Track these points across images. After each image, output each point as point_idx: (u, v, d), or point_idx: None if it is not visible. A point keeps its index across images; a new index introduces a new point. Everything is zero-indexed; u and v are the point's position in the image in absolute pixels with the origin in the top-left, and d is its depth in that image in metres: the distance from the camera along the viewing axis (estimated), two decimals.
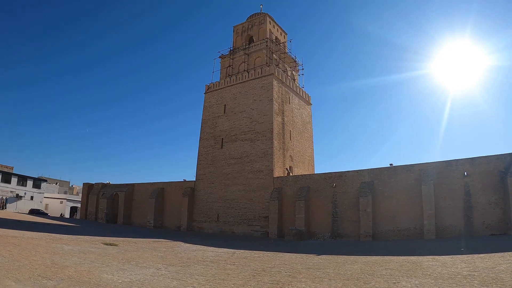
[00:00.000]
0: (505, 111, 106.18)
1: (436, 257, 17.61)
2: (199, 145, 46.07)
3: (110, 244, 23.88)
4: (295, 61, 49.94)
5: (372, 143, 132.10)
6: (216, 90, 46.59)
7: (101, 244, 23.63)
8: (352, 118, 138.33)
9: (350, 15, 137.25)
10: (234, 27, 51.32)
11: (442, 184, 30.42)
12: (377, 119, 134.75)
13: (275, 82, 42.32)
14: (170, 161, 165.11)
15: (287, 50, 49.75)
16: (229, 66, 47.77)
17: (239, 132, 42.56)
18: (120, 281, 12.05)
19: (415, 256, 18.47)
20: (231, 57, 48.28)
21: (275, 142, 40.19)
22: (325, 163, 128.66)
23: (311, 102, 50.84)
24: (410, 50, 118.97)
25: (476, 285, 10.73)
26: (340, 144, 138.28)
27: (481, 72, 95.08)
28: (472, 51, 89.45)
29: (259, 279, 13.16)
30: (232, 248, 25.15)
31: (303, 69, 50.40)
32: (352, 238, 32.68)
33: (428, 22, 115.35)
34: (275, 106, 41.41)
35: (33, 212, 66.01)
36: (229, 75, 46.78)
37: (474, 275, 12.28)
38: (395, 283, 11.79)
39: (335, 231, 34.16)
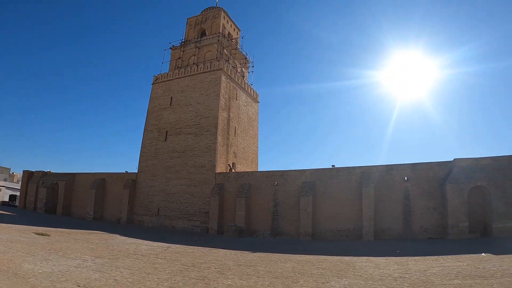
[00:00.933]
0: (452, 122, 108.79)
1: (371, 258, 17.55)
2: (143, 137, 42.86)
3: (42, 234, 22.85)
4: (245, 58, 47.84)
5: (318, 146, 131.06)
6: (164, 81, 43.52)
7: (33, 234, 22.54)
8: (300, 120, 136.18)
9: (304, 19, 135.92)
10: (188, 19, 48.51)
11: (383, 187, 30.02)
12: (325, 122, 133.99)
13: (223, 77, 40.04)
14: (113, 151, 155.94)
15: (239, 47, 47.52)
16: (179, 58, 44.91)
17: (184, 126, 39.86)
18: (41, 271, 11.57)
19: (350, 257, 18.12)
20: (182, 49, 45.44)
21: (219, 138, 37.91)
22: (269, 162, 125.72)
23: (258, 100, 48.88)
24: (361, 58, 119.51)
25: (405, 287, 10.60)
26: (285, 144, 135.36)
27: (431, 83, 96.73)
28: (423, 63, 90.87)
29: (185, 274, 12.67)
30: (168, 243, 23.97)
31: (253, 66, 48.43)
32: (292, 237, 31.37)
33: (382, 32, 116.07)
34: (222, 102, 39.14)
35: (3, 204, 62.26)
36: (178, 67, 43.91)
37: (405, 277, 12.12)
38: (324, 282, 11.48)
39: (275, 229, 32.69)
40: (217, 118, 38.10)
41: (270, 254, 19.72)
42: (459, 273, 12.45)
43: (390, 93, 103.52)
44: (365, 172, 30.60)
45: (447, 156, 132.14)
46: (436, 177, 29.01)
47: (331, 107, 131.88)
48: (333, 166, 32.28)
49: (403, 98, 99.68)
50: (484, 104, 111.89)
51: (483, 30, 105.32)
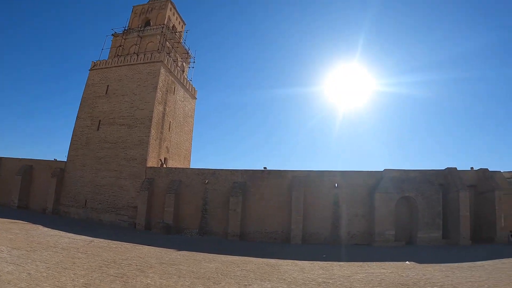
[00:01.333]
0: (387, 133, 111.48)
1: (297, 261, 17.31)
2: (75, 124, 39.42)
3: None
4: (187, 53, 45.58)
5: (252, 148, 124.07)
6: (102, 68, 40.39)
7: None
8: (237, 121, 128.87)
9: (252, 23, 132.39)
10: (133, 7, 45.40)
11: (313, 192, 29.70)
12: (261, 126, 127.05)
13: (162, 70, 37.83)
14: (43, 138, 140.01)
15: (182, 40, 45.29)
16: (120, 46, 41.98)
17: (118, 116, 37.14)
18: None
19: (276, 259, 17.95)
20: (124, 37, 42.51)
21: (153, 131, 35.72)
22: (202, 160, 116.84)
23: (196, 96, 46.87)
24: (306, 67, 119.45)
25: None
26: (220, 143, 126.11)
27: (369, 94, 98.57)
28: (361, 74, 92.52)
29: (104, 271, 12.04)
30: (91, 236, 22.61)
31: (194, 62, 46.43)
32: (220, 237, 30.22)
33: (324, 42, 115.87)
34: (159, 95, 36.94)
35: None
36: (118, 55, 41.12)
37: (329, 282, 11.97)
38: (246, 285, 11.18)
39: (203, 228, 31.34)
40: (152, 111, 35.92)
41: (195, 253, 19.04)
42: (382, 280, 12.45)
43: (329, 102, 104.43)
44: (296, 176, 30.10)
45: (378, 166, 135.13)
46: (366, 185, 29.31)
47: (269, 112, 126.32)
48: (265, 168, 31.34)
49: (342, 108, 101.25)
50: (415, 117, 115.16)
51: (418, 44, 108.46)
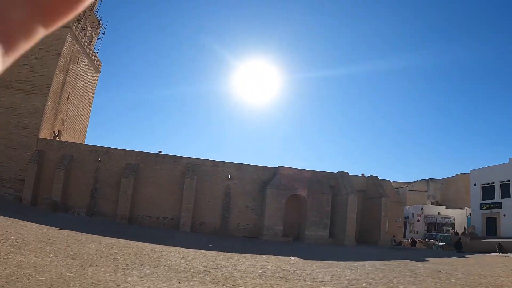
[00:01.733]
0: (284, 130, 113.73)
1: (182, 249, 17.17)
2: None
3: None
4: (98, 23, 42.40)
5: (150, 131, 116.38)
6: None
7: None
8: (140, 103, 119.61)
9: (166, 13, 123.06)
10: None
11: (206, 181, 29.35)
12: (161, 111, 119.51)
13: (69, 37, 34.87)
14: None
15: (95, 9, 41.77)
16: None
17: (15, 80, 33.56)
18: None
19: (161, 245, 17.70)
20: None
21: (50, 101, 32.96)
22: (98, 138, 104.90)
23: (100, 70, 43.99)
24: (215, 65, 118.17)
25: (206, 282, 10.10)
26: (118, 122, 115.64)
27: (274, 91, 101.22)
28: (269, 71, 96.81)
29: None
30: None
31: (104, 33, 43.40)
32: (109, 218, 28.81)
33: (236, 41, 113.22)
34: (61, 62, 34.10)
35: None
36: None
37: (210, 271, 11.77)
38: (124, 269, 10.62)
39: (92, 207, 29.82)
40: (52, 79, 33.10)
41: (78, 233, 18.27)
42: (263, 273, 12.43)
43: (234, 98, 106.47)
44: (190, 164, 29.44)
45: (273, 162, 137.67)
46: (259, 180, 29.44)
47: (172, 98, 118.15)
48: (160, 152, 30.26)
49: (246, 103, 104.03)
50: (314, 117, 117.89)
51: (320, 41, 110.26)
